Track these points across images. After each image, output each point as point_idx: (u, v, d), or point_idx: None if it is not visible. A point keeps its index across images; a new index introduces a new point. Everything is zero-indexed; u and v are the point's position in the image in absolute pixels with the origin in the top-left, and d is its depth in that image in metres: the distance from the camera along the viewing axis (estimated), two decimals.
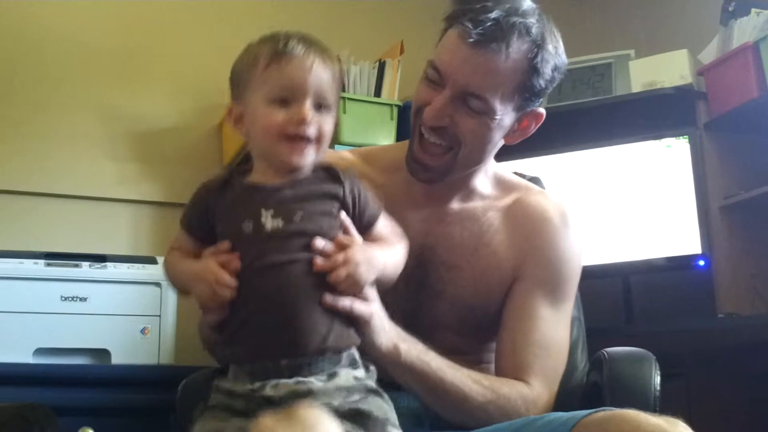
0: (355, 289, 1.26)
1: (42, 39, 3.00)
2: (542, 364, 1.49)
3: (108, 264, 2.54)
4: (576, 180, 2.85)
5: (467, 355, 1.55)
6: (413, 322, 1.49)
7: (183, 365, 2.44)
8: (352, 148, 1.73)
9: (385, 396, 1.26)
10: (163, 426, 2.18)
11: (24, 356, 2.38)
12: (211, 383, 1.30)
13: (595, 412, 1.22)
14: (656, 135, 2.79)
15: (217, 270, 1.24)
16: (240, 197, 1.30)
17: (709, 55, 2.83)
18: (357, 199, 1.32)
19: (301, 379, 1.21)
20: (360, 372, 1.27)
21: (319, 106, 1.29)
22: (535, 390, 1.47)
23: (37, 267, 2.46)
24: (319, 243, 1.25)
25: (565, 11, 3.47)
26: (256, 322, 1.23)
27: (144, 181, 3.07)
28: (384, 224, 1.37)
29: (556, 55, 1.48)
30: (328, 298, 1.24)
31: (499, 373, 1.51)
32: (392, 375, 1.37)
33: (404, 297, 1.47)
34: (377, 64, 3.01)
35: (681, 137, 2.76)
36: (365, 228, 1.33)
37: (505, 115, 1.48)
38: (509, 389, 1.45)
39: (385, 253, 1.32)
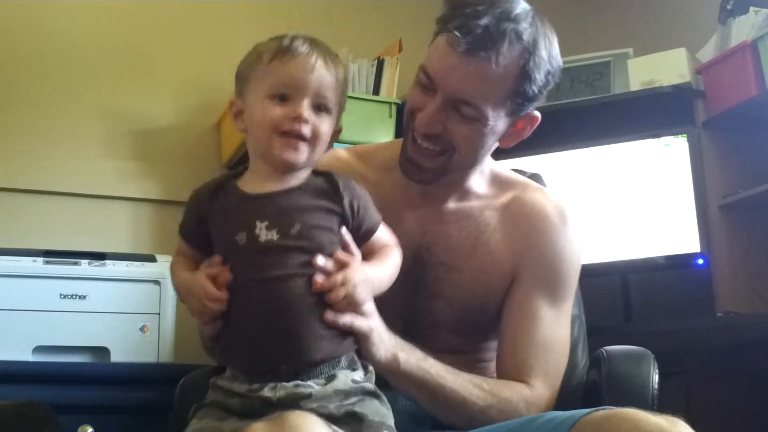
0: (351, 308, 1.26)
1: (41, 38, 3.00)
2: (543, 365, 1.49)
3: (107, 262, 2.54)
4: (574, 178, 2.85)
5: (466, 355, 1.55)
6: (411, 321, 1.50)
7: (182, 363, 2.43)
8: (348, 146, 1.72)
9: (383, 399, 1.26)
10: (161, 424, 2.17)
11: (23, 354, 2.38)
12: (209, 382, 1.31)
13: (595, 410, 1.22)
14: (655, 133, 2.79)
15: (205, 284, 1.24)
16: (233, 206, 1.28)
17: (707, 53, 2.83)
18: (356, 212, 1.31)
19: (299, 382, 1.21)
20: (359, 374, 1.27)
21: (319, 107, 1.29)
22: (536, 391, 1.47)
23: (36, 264, 2.46)
24: (320, 261, 1.24)
25: (564, 9, 3.47)
26: (253, 334, 1.23)
27: (143, 179, 3.07)
28: (382, 233, 1.36)
29: (549, 59, 1.45)
30: (330, 315, 1.24)
31: (501, 374, 1.51)
32: (392, 384, 1.37)
33: (401, 297, 1.47)
34: (376, 62, 3.01)
35: (679, 136, 2.75)
36: (363, 238, 1.33)
37: (498, 121, 1.46)
38: (510, 392, 1.45)
39: (382, 269, 1.32)
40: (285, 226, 1.24)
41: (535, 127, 1.54)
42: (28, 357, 2.39)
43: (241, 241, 1.24)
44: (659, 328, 2.66)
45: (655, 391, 1.54)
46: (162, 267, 2.57)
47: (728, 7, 2.79)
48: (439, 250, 1.54)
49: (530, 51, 1.41)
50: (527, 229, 1.55)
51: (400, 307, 1.47)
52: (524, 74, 1.42)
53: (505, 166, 1.68)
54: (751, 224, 2.74)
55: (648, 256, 2.74)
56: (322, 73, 1.28)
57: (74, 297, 2.47)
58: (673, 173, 2.74)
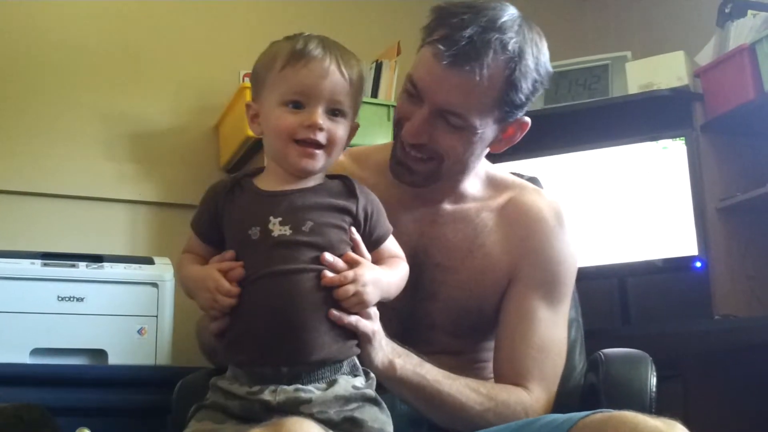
0: (359, 307, 1.26)
1: (39, 40, 3.00)
2: (541, 368, 1.49)
3: (105, 264, 2.53)
4: (573, 182, 2.85)
5: (463, 355, 1.55)
6: (408, 323, 1.50)
7: (180, 366, 2.44)
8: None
9: (384, 406, 1.26)
10: (159, 426, 2.17)
11: (21, 356, 2.37)
12: (207, 384, 1.30)
13: (593, 413, 1.22)
14: (653, 136, 2.80)
15: (218, 278, 1.24)
16: (248, 202, 1.29)
17: (705, 56, 2.84)
18: (369, 217, 1.32)
19: (300, 386, 1.20)
20: (360, 380, 1.26)
21: (334, 111, 1.29)
22: (534, 395, 1.47)
23: (34, 267, 2.45)
24: (329, 257, 1.24)
25: (562, 12, 3.47)
26: (259, 329, 1.23)
27: (141, 181, 3.06)
28: (392, 244, 1.37)
29: (536, 67, 1.44)
30: (335, 312, 1.24)
31: (498, 378, 1.51)
32: (389, 390, 1.37)
33: (398, 298, 1.46)
34: (374, 64, 3.01)
35: (677, 139, 2.76)
36: (373, 245, 1.33)
37: (486, 129, 1.46)
38: (507, 395, 1.45)
39: (391, 274, 1.33)
40: (298, 223, 1.25)
41: (525, 132, 1.54)
42: (26, 359, 2.38)
43: (254, 236, 1.25)
44: (657, 331, 2.66)
45: (653, 394, 1.54)
46: (160, 269, 2.57)
47: (726, 11, 2.79)
48: (436, 251, 1.54)
49: (516, 61, 1.41)
50: (524, 231, 1.55)
51: (397, 308, 1.47)
52: (510, 83, 1.42)
53: (502, 168, 1.68)
54: (749, 227, 2.74)
55: (646, 259, 2.75)
56: (335, 78, 1.29)
57: (72, 299, 2.46)
58: (671, 176, 2.74)
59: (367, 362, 1.31)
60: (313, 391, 1.20)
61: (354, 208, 1.30)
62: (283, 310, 1.22)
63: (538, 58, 1.45)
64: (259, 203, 1.28)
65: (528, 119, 1.52)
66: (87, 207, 2.99)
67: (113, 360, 2.47)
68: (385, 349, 1.35)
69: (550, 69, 1.49)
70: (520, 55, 1.41)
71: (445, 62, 1.38)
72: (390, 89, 2.96)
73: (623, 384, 1.57)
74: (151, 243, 3.03)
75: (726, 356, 2.76)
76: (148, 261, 2.61)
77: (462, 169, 1.53)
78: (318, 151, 1.28)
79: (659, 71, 2.87)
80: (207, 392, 1.30)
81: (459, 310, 1.53)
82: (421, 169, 1.48)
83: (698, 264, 2.67)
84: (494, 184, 1.62)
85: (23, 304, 2.42)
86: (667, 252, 2.72)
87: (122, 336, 2.50)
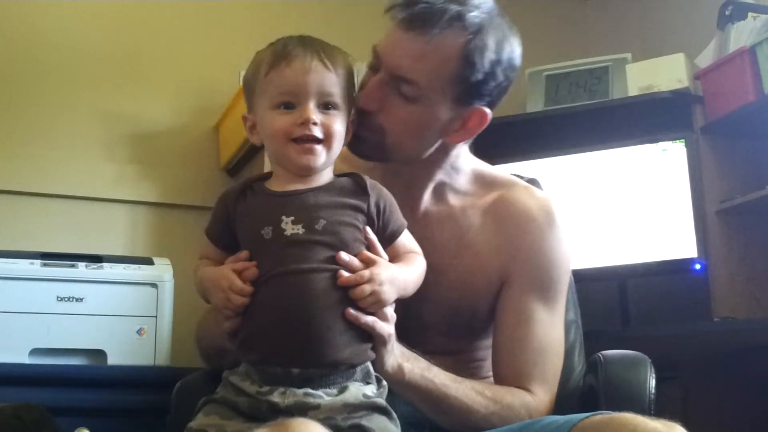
0: (376, 306, 1.26)
1: (39, 40, 2.99)
2: (541, 370, 1.48)
3: (104, 264, 2.53)
4: (572, 183, 2.85)
5: (459, 355, 1.54)
6: (401, 325, 1.48)
7: (179, 366, 2.44)
8: None
9: (394, 416, 1.25)
10: (158, 427, 2.16)
11: (20, 357, 2.37)
12: (206, 384, 1.30)
13: (593, 415, 1.22)
14: (653, 139, 2.80)
15: (232, 277, 1.24)
16: (260, 203, 1.30)
17: (705, 59, 2.83)
18: (382, 212, 1.31)
19: (310, 391, 1.20)
20: (371, 388, 1.26)
21: (326, 105, 1.29)
22: (537, 397, 1.46)
23: (33, 267, 2.45)
24: (344, 256, 1.24)
25: (563, 14, 3.47)
26: (270, 327, 1.22)
27: (141, 181, 3.06)
28: (407, 238, 1.36)
29: (497, 49, 1.40)
30: (353, 311, 1.23)
31: (499, 381, 1.50)
32: (397, 393, 1.36)
33: None
34: None
35: (677, 141, 2.76)
36: (387, 241, 1.33)
37: (439, 107, 1.42)
38: (512, 398, 1.44)
39: (407, 271, 1.32)
40: (311, 221, 1.25)
41: (485, 125, 1.47)
42: (25, 359, 2.38)
43: (267, 235, 1.25)
44: (656, 333, 2.66)
45: (653, 396, 1.54)
46: (159, 270, 2.57)
47: (727, 13, 2.79)
48: (423, 252, 1.49)
49: (473, 34, 1.38)
50: (514, 231, 1.52)
51: None
52: (464, 58, 1.39)
53: (492, 166, 1.64)
54: (749, 229, 2.74)
55: (645, 261, 2.74)
56: (320, 73, 1.29)
57: (71, 299, 2.46)
58: (671, 178, 2.74)
59: (378, 366, 1.30)
60: (322, 396, 1.20)
61: (365, 206, 1.30)
62: (295, 309, 1.21)
63: (502, 44, 1.42)
64: (270, 203, 1.28)
65: (488, 110, 1.46)
66: (87, 207, 2.99)
67: (112, 360, 2.47)
68: (396, 353, 1.34)
69: (517, 62, 1.46)
70: (478, 30, 1.39)
71: (399, 24, 1.38)
72: None
73: (622, 386, 1.57)
74: (151, 243, 3.03)
75: (725, 358, 2.76)
76: (148, 261, 2.61)
77: (411, 150, 1.47)
78: (317, 146, 1.28)
79: (659, 73, 2.87)
80: (205, 393, 1.29)
81: (451, 311, 1.51)
82: (369, 138, 1.43)
83: (698, 266, 2.67)
84: (482, 181, 1.58)
85: (22, 304, 2.41)
86: (666, 254, 2.72)
87: (121, 336, 2.49)
